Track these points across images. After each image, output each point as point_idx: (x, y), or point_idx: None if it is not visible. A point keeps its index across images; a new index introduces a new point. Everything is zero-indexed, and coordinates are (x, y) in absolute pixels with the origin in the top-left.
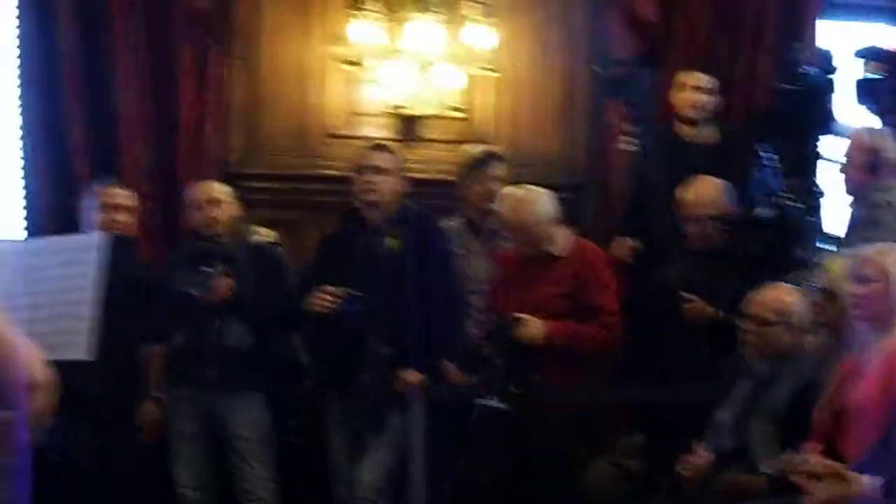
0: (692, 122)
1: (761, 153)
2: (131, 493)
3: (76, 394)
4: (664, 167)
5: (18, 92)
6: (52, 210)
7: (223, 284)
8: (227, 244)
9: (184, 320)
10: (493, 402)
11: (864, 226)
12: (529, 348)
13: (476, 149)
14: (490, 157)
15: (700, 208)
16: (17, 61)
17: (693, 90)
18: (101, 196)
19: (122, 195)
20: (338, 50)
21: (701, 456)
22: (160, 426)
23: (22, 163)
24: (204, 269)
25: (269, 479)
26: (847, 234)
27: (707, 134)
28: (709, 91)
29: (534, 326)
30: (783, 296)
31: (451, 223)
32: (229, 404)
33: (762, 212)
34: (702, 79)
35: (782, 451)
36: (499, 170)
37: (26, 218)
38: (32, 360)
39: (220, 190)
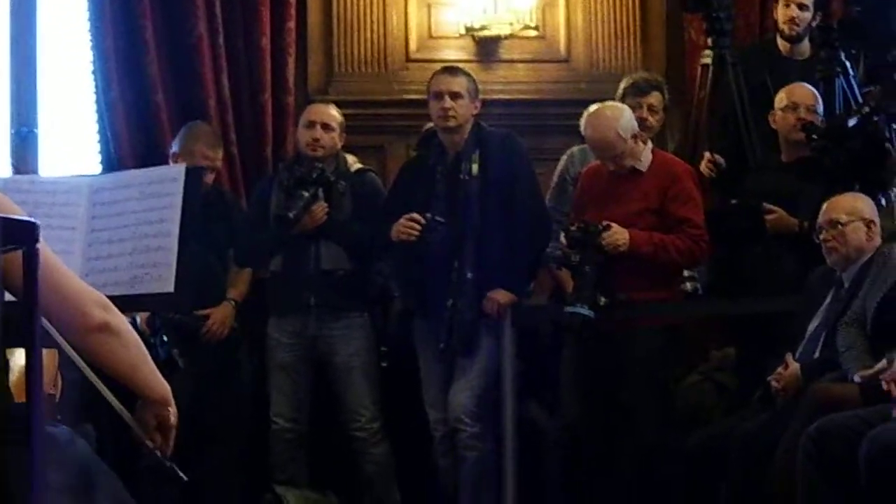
0: (792, 39)
1: (846, 61)
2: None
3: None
4: (759, 81)
5: (89, 25)
6: (131, 145)
7: (319, 209)
8: (327, 170)
9: (280, 245)
10: (583, 310)
11: None
12: (615, 258)
13: (636, 75)
14: (650, 85)
15: (798, 111)
16: None
17: (795, 6)
18: (187, 138)
19: (210, 137)
20: None
21: (792, 367)
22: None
23: (95, 97)
24: (301, 192)
25: (373, 402)
26: None
27: (802, 49)
28: (808, 7)
29: (618, 233)
30: (851, 198)
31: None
32: (331, 329)
33: (851, 121)
34: None
35: (872, 360)
36: (655, 99)
37: (102, 153)
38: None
39: (334, 116)
